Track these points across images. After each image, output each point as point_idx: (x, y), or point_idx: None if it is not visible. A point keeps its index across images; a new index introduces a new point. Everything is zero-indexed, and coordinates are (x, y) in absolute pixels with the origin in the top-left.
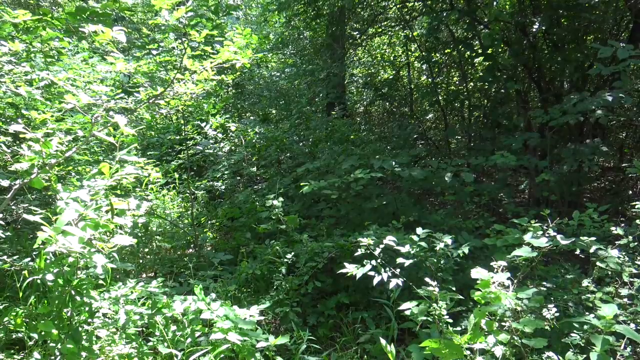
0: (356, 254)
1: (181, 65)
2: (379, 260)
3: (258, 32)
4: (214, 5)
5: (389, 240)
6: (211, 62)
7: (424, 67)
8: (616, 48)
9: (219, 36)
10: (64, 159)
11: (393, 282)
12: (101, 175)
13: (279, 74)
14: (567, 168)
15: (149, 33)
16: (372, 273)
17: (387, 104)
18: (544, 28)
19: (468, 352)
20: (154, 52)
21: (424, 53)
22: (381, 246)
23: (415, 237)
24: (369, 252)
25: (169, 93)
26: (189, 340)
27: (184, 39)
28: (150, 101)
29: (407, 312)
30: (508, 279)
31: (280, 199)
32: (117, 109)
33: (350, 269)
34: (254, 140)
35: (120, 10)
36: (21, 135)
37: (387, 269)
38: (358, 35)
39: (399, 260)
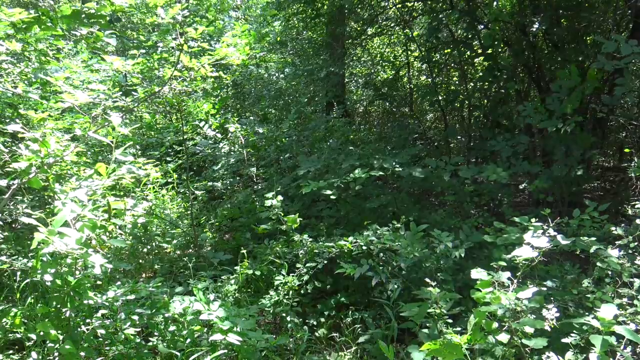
0: (353, 253)
1: (178, 62)
2: (376, 260)
3: (257, 31)
4: (208, 3)
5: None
6: (208, 59)
7: (424, 67)
8: (619, 43)
9: (216, 34)
10: (62, 159)
11: (392, 283)
12: (99, 175)
13: (277, 73)
14: (558, 173)
15: (146, 34)
16: (370, 273)
17: (387, 103)
18: (544, 28)
19: (468, 352)
20: (149, 50)
21: (423, 53)
22: (379, 246)
23: (405, 233)
24: (367, 251)
25: (166, 91)
26: (188, 340)
27: (180, 37)
28: (149, 99)
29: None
30: (508, 279)
31: (280, 197)
32: (114, 108)
33: (347, 268)
34: (255, 140)
35: (116, 11)
36: (19, 135)
37: (386, 269)
38: (356, 35)
39: (398, 260)
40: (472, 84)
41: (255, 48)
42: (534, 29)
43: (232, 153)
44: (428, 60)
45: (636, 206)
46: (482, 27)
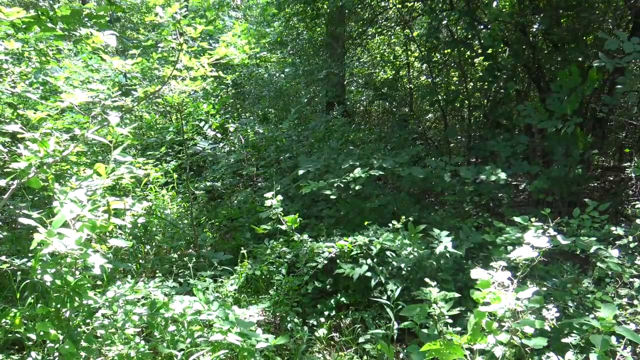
0: (352, 253)
1: (177, 61)
2: (375, 260)
3: (257, 31)
4: (207, 3)
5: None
6: (208, 58)
7: (424, 67)
8: (622, 40)
9: (216, 34)
10: (61, 158)
11: (392, 283)
12: (98, 175)
13: (277, 73)
14: (558, 174)
15: (146, 34)
16: (369, 274)
17: (387, 103)
18: (544, 28)
19: (468, 352)
20: (148, 50)
21: (423, 53)
22: (378, 246)
23: (404, 233)
24: (367, 252)
25: (165, 90)
26: (188, 340)
27: (180, 37)
28: (148, 98)
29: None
30: (508, 279)
31: (280, 197)
32: (114, 108)
33: (345, 269)
34: (255, 140)
35: (115, 11)
36: (19, 135)
37: (385, 269)
38: (356, 35)
39: (398, 261)
40: (472, 84)
41: (255, 47)
42: (534, 29)
43: (232, 153)
44: (428, 60)
45: (636, 206)
46: (482, 27)
